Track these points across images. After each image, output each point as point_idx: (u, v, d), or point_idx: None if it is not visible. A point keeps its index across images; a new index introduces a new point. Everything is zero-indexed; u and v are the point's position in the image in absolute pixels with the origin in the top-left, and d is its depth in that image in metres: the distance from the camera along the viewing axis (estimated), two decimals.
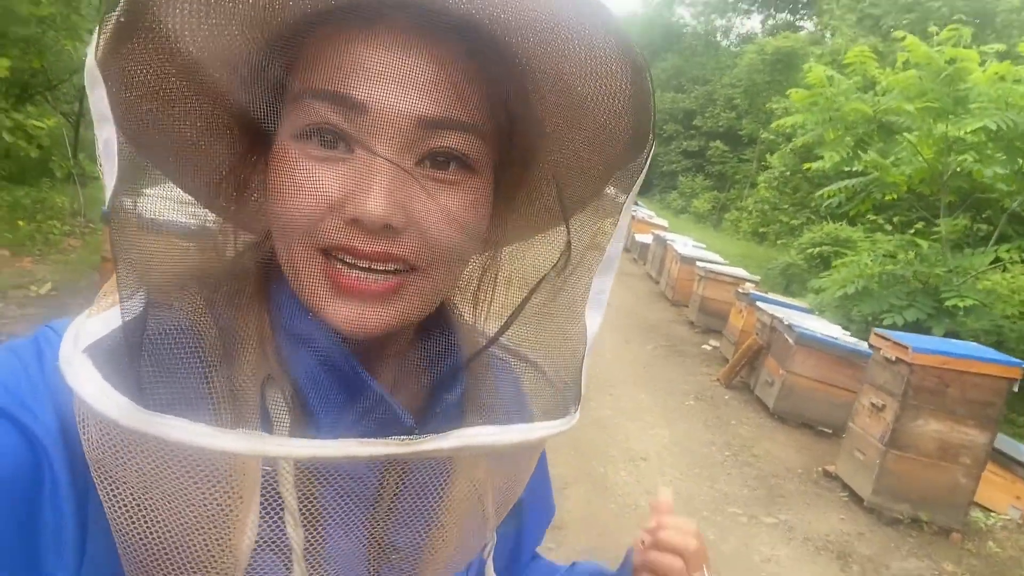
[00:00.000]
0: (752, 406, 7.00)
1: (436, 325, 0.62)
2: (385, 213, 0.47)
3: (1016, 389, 4.76)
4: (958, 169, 8.05)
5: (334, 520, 0.52)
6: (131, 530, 0.44)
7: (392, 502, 0.56)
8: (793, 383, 6.54)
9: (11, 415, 0.45)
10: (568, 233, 0.60)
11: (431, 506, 0.57)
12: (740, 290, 8.72)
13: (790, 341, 6.52)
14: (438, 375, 0.61)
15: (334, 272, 0.50)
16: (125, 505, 0.44)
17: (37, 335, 0.51)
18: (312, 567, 0.51)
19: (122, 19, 0.43)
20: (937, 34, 8.23)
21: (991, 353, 4.95)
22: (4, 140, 8.48)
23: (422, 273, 0.52)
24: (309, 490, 0.51)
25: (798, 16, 36.29)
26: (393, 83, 0.47)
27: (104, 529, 0.45)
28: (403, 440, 0.46)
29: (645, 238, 15.61)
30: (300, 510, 0.50)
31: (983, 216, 10.77)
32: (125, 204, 0.46)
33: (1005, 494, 5.17)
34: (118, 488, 0.44)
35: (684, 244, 12.97)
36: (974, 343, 5.46)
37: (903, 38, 8.04)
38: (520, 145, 0.57)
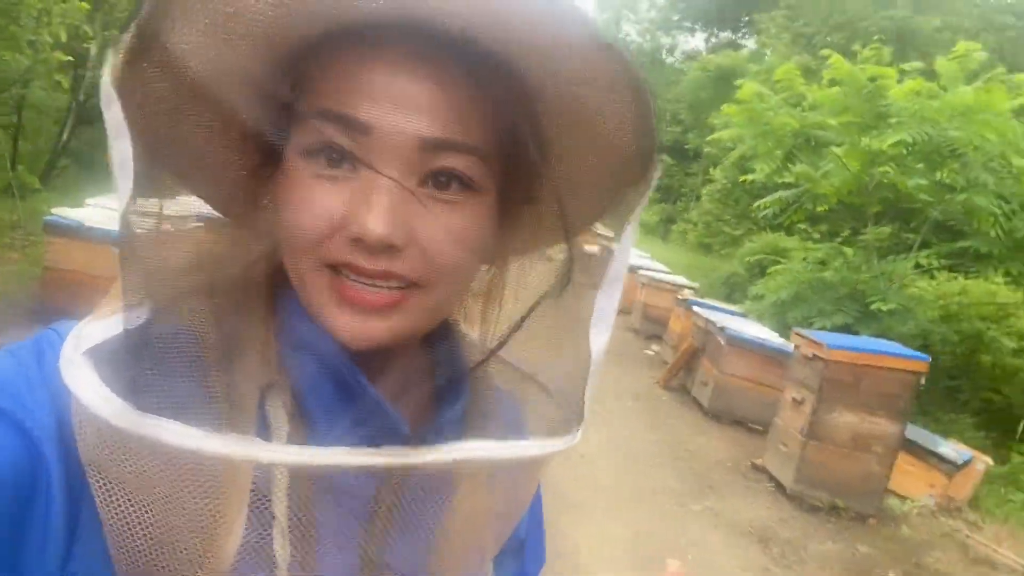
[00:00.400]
0: (688, 406, 7.28)
1: (438, 341, 0.62)
2: (386, 232, 0.47)
3: (923, 382, 5.11)
4: (883, 180, 8.49)
5: (325, 535, 0.51)
6: (123, 532, 0.44)
7: (387, 520, 0.55)
8: (725, 383, 6.83)
9: (8, 415, 0.44)
10: (571, 251, 0.60)
11: (427, 526, 0.56)
12: (679, 296, 9.02)
13: (722, 343, 6.81)
14: (439, 391, 0.60)
15: (339, 284, 0.50)
16: (118, 507, 0.44)
17: (39, 337, 0.50)
18: None
19: (134, 41, 0.44)
20: (861, 52, 8.70)
21: (899, 348, 5.30)
22: None
23: (424, 289, 0.52)
24: (301, 502, 0.50)
25: (739, 35, 37.38)
26: (395, 105, 0.48)
27: (99, 531, 0.45)
28: (397, 451, 0.45)
29: (591, 248, 15.87)
30: (290, 522, 0.49)
31: (911, 226, 11.30)
32: (134, 214, 0.47)
33: (920, 483, 5.52)
34: (112, 490, 0.44)
35: None
36: (885, 340, 5.80)
37: (829, 56, 8.49)
38: (525, 164, 0.56)
